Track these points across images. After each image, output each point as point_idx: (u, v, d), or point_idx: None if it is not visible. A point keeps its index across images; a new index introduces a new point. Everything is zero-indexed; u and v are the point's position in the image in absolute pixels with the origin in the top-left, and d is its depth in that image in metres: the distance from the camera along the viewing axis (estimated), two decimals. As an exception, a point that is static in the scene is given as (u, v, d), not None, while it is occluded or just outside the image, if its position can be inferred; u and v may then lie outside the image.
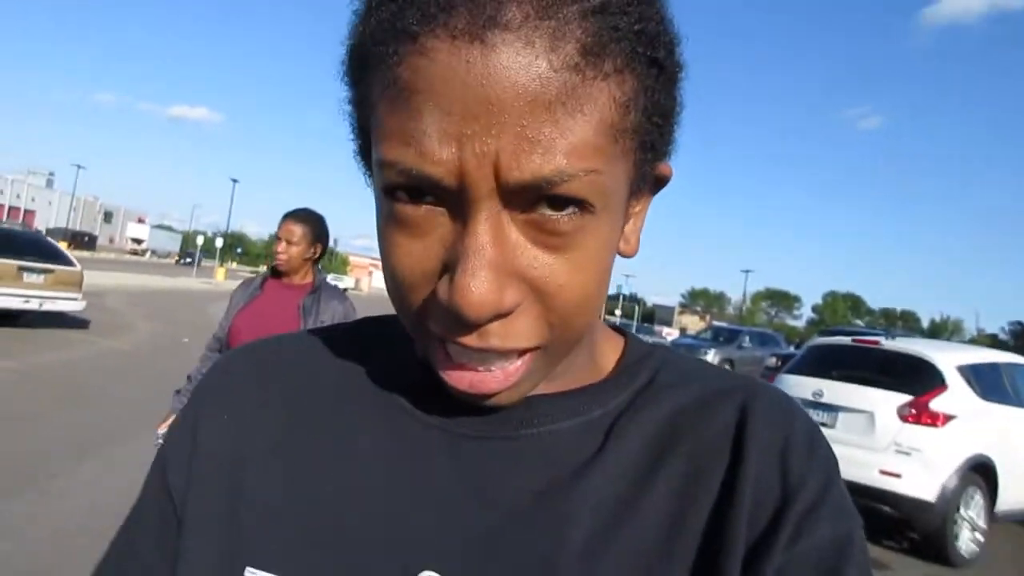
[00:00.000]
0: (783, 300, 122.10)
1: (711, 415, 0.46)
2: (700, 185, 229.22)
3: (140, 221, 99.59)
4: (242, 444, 0.49)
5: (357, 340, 0.54)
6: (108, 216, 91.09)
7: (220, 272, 41.22)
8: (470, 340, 0.38)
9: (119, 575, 0.49)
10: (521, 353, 0.39)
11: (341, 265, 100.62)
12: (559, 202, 0.36)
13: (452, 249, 0.37)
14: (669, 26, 0.39)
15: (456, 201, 0.36)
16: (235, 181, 58.12)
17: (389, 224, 0.39)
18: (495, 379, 0.39)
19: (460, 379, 0.40)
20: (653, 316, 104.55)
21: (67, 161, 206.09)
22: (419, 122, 0.34)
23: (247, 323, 2.65)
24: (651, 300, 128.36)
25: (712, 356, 18.89)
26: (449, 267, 0.37)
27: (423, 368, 0.43)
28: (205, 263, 60.11)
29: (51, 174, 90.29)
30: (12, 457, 4.43)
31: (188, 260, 60.71)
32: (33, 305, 9.82)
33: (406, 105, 0.35)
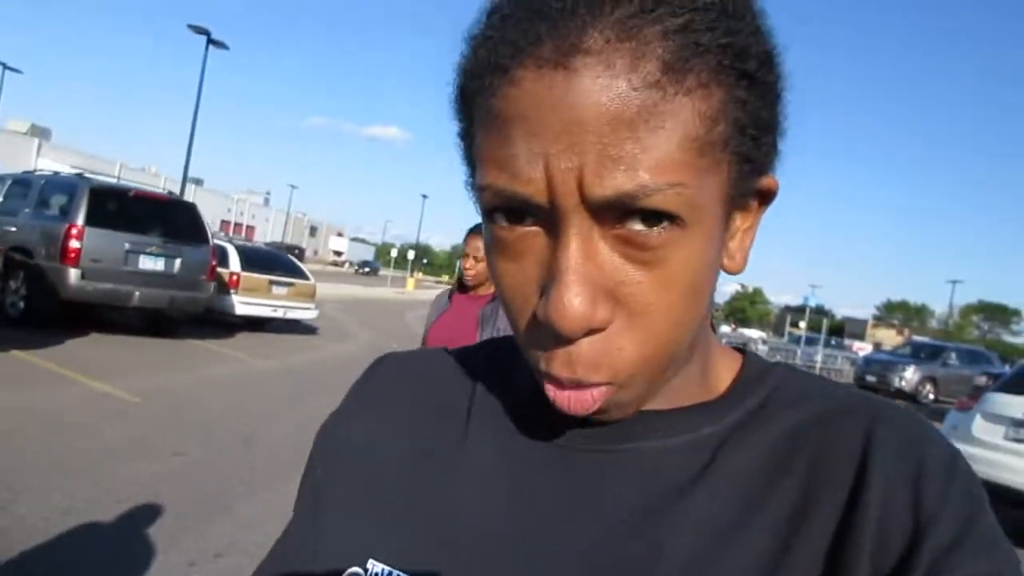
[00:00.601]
0: (999, 314, 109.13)
1: (832, 436, 0.44)
2: (896, 187, 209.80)
3: (339, 235, 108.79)
4: (378, 442, 0.53)
5: (484, 359, 0.57)
6: (313, 230, 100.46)
7: (411, 282, 43.94)
8: (561, 372, 0.39)
9: (282, 557, 0.55)
10: (600, 385, 0.40)
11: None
12: (647, 216, 0.36)
13: (548, 267, 0.38)
14: (764, 37, 0.39)
15: (548, 219, 0.37)
16: (425, 196, 62.17)
17: (493, 249, 0.41)
18: (590, 398, 0.40)
19: (561, 398, 0.40)
20: (843, 330, 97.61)
21: (282, 180, 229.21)
22: (511, 146, 0.36)
23: (436, 335, 2.91)
24: (840, 312, 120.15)
25: (911, 373, 17.77)
26: (547, 285, 0.38)
27: (536, 384, 0.43)
28: (385, 272, 64.32)
29: (268, 193, 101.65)
30: (293, 431, 5.60)
31: (367, 270, 64.94)
32: (279, 313, 11.66)
33: (499, 132, 0.37)
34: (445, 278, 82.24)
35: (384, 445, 0.53)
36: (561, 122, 0.35)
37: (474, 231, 2.89)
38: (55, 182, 9.16)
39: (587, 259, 0.37)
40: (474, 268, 2.89)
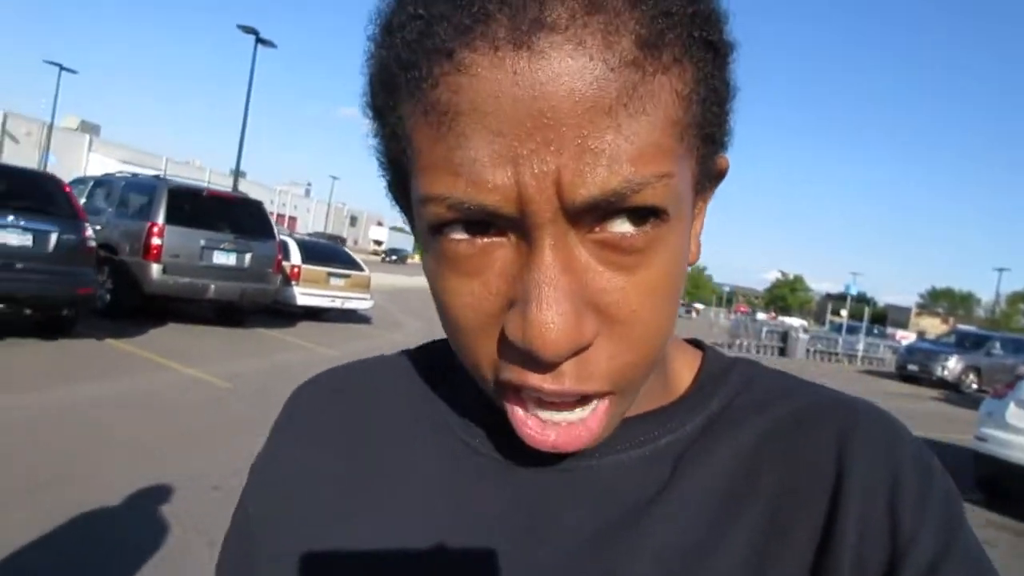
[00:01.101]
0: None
1: (800, 446, 0.41)
2: (943, 174, 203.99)
3: (379, 224, 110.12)
4: (310, 473, 0.48)
5: (424, 366, 0.52)
6: (353, 220, 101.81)
7: None
8: (544, 383, 0.34)
9: None
10: (601, 396, 0.36)
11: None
12: (632, 215, 0.32)
13: (517, 282, 0.33)
14: (718, 3, 0.35)
15: (517, 229, 0.32)
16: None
17: (441, 265, 0.35)
18: (580, 435, 0.36)
19: (543, 439, 0.36)
20: (885, 318, 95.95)
21: (323, 172, 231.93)
22: (467, 148, 0.31)
23: None
24: (884, 300, 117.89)
25: (954, 363, 17.81)
26: (517, 302, 0.33)
27: (483, 396, 0.39)
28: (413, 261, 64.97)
29: (309, 184, 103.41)
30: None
31: (394, 258, 65.37)
32: (337, 304, 12.24)
33: (449, 131, 0.31)
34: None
35: (317, 476, 0.48)
36: (530, 115, 0.30)
37: None
38: (135, 183, 9.85)
39: (567, 270, 0.32)
40: None
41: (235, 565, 0.50)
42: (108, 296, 9.06)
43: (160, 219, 8.86)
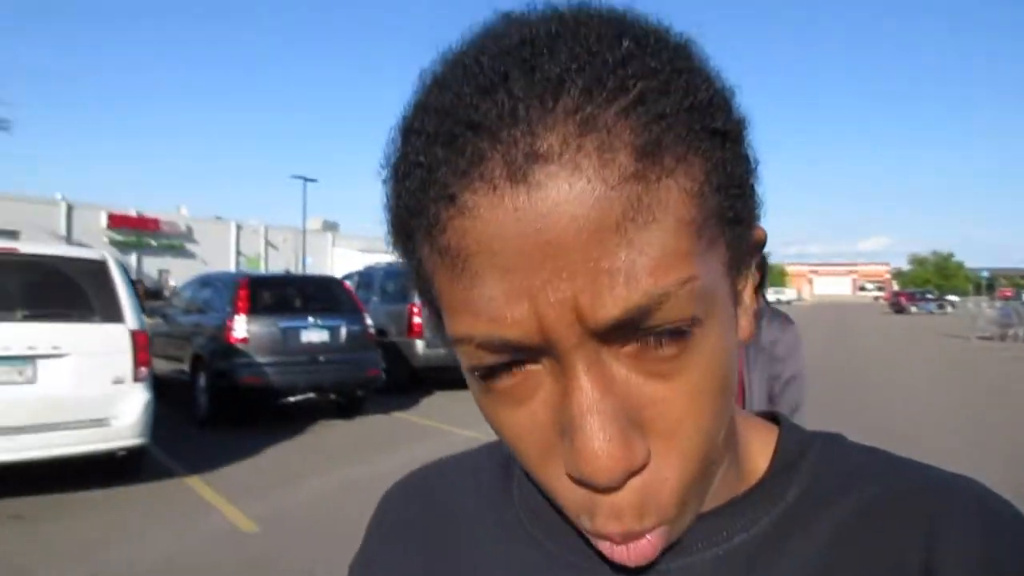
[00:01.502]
0: None
1: (882, 539, 0.38)
2: None
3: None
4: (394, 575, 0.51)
5: (501, 465, 0.52)
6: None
7: None
8: (608, 528, 0.34)
9: None
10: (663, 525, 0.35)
11: (779, 277, 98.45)
12: (662, 327, 0.31)
13: (561, 410, 0.33)
14: (718, 84, 0.34)
15: (547, 357, 0.33)
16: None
17: (485, 400, 0.36)
18: (650, 546, 0.35)
19: (617, 553, 0.35)
20: None
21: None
22: (481, 287, 0.31)
23: None
24: None
25: None
26: (566, 430, 0.33)
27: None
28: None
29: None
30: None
31: None
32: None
33: (463, 273, 0.32)
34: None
35: None
36: (537, 248, 0.30)
37: None
38: (391, 271, 11.15)
39: (605, 393, 0.32)
40: None
41: None
42: (384, 375, 10.31)
43: (417, 299, 9.87)
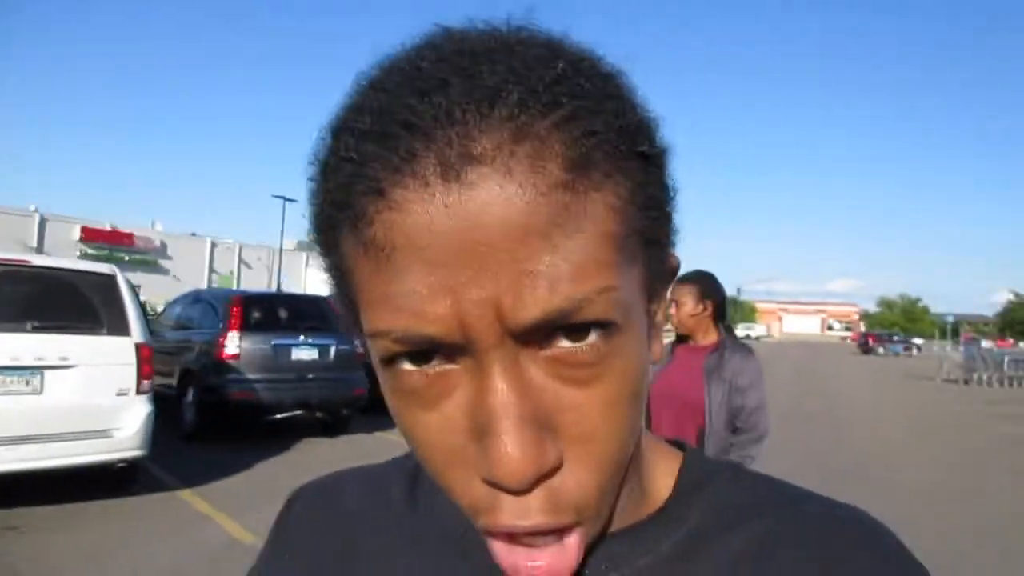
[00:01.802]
0: None
1: (781, 570, 0.40)
2: None
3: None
4: None
5: (408, 478, 0.51)
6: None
7: None
8: (516, 519, 0.34)
9: None
10: (572, 527, 0.35)
11: (749, 313, 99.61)
12: (579, 330, 0.32)
13: (475, 412, 0.33)
14: (645, 112, 0.36)
15: (465, 356, 0.33)
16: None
17: (397, 398, 0.36)
18: (558, 567, 0.35)
19: (524, 572, 0.35)
20: None
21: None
22: (405, 282, 0.32)
23: (659, 390, 2.76)
24: None
25: None
26: (477, 434, 0.33)
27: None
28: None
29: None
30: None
31: None
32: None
33: (387, 266, 0.32)
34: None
35: None
36: (464, 246, 0.30)
37: (681, 279, 2.80)
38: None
39: (520, 395, 0.32)
40: (676, 314, 2.85)
41: None
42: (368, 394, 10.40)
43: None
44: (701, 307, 2.81)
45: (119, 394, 5.24)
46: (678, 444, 0.49)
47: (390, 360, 0.34)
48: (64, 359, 5.04)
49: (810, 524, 0.42)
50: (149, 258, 42.31)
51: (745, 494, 0.45)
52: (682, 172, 0.39)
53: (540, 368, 0.33)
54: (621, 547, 0.42)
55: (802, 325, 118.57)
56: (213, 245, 46.69)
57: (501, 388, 0.32)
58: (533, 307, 0.31)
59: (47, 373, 4.98)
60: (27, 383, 4.92)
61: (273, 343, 8.02)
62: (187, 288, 12.02)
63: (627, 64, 0.37)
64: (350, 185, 0.33)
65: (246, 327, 7.95)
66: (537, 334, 0.32)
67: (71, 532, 4.72)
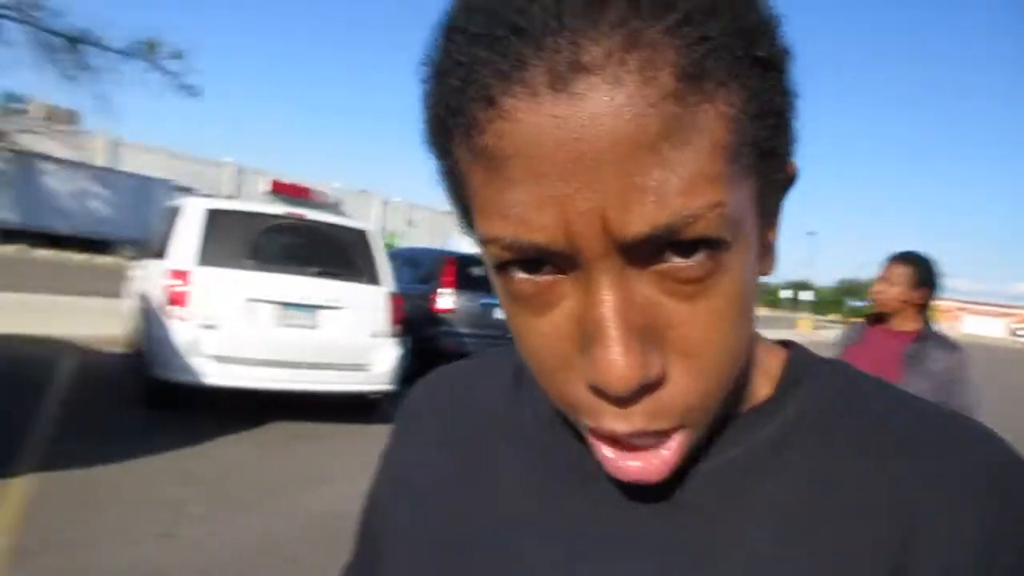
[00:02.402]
0: None
1: (882, 470, 0.39)
2: None
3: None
4: (423, 473, 0.51)
5: (513, 373, 0.52)
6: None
7: (805, 324, 40.65)
8: (616, 424, 0.35)
9: None
10: (674, 430, 0.36)
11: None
12: (688, 247, 0.32)
13: (583, 322, 0.34)
14: (765, 11, 0.34)
15: (574, 267, 0.33)
16: (811, 233, 59.69)
17: (510, 303, 0.36)
18: (654, 469, 0.36)
19: (622, 471, 0.37)
20: None
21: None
22: (513, 191, 0.32)
23: None
24: None
25: None
26: (584, 342, 0.34)
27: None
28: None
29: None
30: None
31: None
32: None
33: (498, 174, 0.32)
34: (829, 316, 76.22)
35: (428, 478, 0.51)
36: (571, 158, 0.30)
37: (894, 257, 2.68)
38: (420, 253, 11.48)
39: (627, 307, 0.33)
40: (884, 292, 2.66)
41: (364, 540, 0.57)
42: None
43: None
44: (915, 293, 2.61)
45: (373, 335, 6.05)
46: (786, 343, 0.48)
47: (503, 267, 0.35)
48: (335, 301, 5.88)
49: (909, 422, 0.41)
50: (325, 212, 44.59)
51: (847, 389, 0.44)
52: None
53: (646, 282, 0.33)
54: (715, 439, 0.42)
55: (985, 327, 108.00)
56: (385, 203, 49.00)
57: (608, 299, 0.32)
58: (640, 222, 0.31)
59: (322, 312, 5.84)
60: (308, 319, 5.79)
61: (481, 302, 8.53)
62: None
63: None
64: (462, 90, 0.33)
65: (460, 284, 8.51)
66: (644, 249, 0.32)
67: (346, 443, 5.53)
